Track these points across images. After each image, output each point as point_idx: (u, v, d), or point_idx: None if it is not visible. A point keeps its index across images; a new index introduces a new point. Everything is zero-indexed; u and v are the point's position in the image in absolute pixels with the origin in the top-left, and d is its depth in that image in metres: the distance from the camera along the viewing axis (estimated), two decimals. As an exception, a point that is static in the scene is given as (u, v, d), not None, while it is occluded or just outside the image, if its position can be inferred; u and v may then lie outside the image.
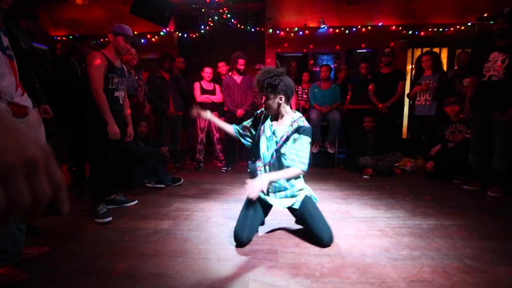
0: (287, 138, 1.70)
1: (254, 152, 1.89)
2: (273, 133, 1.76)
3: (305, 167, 1.69)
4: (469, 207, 2.30)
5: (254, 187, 1.56)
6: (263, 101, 1.74)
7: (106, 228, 1.98)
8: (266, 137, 1.79)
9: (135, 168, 2.99)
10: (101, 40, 4.96)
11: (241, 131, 1.96)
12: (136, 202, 2.45)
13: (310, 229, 1.70)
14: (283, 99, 1.69)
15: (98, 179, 2.19)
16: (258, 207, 1.78)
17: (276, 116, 1.79)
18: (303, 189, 1.82)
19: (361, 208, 2.29)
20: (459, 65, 3.61)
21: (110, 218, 2.07)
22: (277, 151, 1.73)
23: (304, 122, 1.71)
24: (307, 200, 1.76)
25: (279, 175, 1.68)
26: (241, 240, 1.66)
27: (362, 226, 1.94)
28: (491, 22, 4.47)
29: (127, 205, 2.39)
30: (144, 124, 3.14)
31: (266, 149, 1.78)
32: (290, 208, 1.80)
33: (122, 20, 2.36)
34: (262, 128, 1.83)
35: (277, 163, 1.75)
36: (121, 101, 2.30)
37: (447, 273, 1.38)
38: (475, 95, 2.74)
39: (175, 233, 1.87)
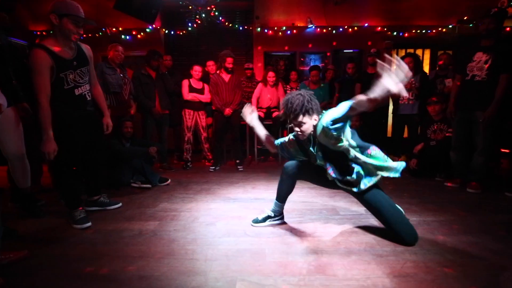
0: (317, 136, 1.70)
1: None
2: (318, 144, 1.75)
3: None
4: (449, 203, 2.38)
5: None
6: (299, 129, 1.68)
7: (89, 230, 1.92)
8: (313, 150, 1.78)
9: (121, 168, 2.91)
10: (84, 35, 4.80)
11: (285, 144, 1.96)
12: (120, 205, 2.35)
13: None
14: (317, 118, 1.68)
15: (64, 186, 2.03)
16: (318, 171, 1.82)
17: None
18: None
19: (347, 206, 2.32)
20: (440, 66, 3.73)
21: (89, 224, 1.95)
22: (318, 147, 1.75)
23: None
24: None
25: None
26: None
27: (348, 224, 1.97)
28: (471, 25, 4.68)
29: (110, 208, 2.29)
30: (129, 124, 3.06)
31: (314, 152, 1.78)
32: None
33: (106, 16, 2.23)
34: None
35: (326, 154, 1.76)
36: (88, 97, 1.98)
37: (429, 267, 1.43)
38: (458, 94, 2.80)
39: (161, 234, 1.84)
